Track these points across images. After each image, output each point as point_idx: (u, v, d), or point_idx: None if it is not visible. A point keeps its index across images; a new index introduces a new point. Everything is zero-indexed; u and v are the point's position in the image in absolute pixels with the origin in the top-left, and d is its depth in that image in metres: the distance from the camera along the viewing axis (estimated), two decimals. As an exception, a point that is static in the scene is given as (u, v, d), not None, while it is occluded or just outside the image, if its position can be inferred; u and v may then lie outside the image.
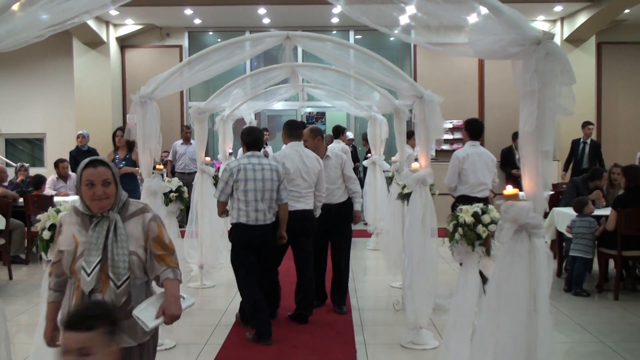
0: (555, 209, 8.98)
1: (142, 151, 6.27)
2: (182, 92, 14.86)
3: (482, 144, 8.09)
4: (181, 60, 13.97)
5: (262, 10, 13.68)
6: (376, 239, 11.09)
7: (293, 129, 7.19)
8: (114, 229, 3.25)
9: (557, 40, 14.25)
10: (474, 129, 7.97)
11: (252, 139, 6.57)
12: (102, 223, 3.26)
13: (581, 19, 13.45)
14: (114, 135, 10.97)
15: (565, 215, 8.57)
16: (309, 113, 16.99)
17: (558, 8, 13.34)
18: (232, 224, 6.44)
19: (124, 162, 10.53)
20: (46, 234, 4.56)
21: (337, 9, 13.36)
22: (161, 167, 6.49)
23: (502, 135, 14.34)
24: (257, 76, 9.70)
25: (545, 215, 9.39)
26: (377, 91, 8.74)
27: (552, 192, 10.37)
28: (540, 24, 14.32)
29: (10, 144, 15.71)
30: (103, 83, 14.39)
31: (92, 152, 12.54)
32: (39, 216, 4.68)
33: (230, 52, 6.50)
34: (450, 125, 14.77)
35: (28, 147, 15.87)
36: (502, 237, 3.25)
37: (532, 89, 3.16)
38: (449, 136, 14.73)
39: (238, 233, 6.35)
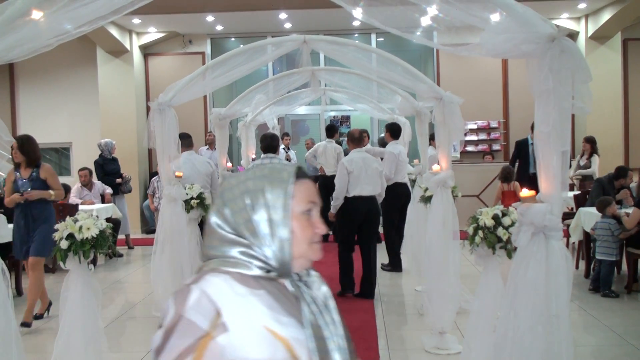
0: (582, 209, 8.85)
1: (162, 158, 6.29)
2: (205, 98, 14.90)
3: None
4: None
5: (283, 15, 13.68)
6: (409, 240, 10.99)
7: (356, 139, 8.33)
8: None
9: (582, 37, 14.08)
10: (394, 131, 9.86)
11: (265, 145, 7.92)
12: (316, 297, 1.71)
13: (606, 15, 13.25)
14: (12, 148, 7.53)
15: (591, 215, 8.42)
16: (333, 117, 16.95)
17: (582, 5, 13.16)
18: None
19: (30, 183, 7.42)
20: (64, 244, 4.57)
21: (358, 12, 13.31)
22: (180, 174, 6.49)
23: (525, 135, 14.17)
24: (278, 81, 9.71)
25: (573, 215, 9.26)
26: (398, 94, 8.70)
27: (580, 192, 10.23)
28: (564, 21, 14.14)
29: (38, 154, 15.85)
30: (127, 91, 14.48)
31: (117, 160, 12.65)
32: (56, 226, 4.69)
33: (249, 57, 6.50)
34: (475, 127, 14.64)
35: (55, 157, 16.02)
36: (519, 240, 3.18)
37: (547, 88, 3.08)
38: (474, 137, 14.60)
39: None
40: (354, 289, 8.22)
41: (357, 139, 8.33)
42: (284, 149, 13.55)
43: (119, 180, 12.26)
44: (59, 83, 15.35)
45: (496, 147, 14.66)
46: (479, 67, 14.74)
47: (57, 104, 15.36)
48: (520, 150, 12.20)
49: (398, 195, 9.58)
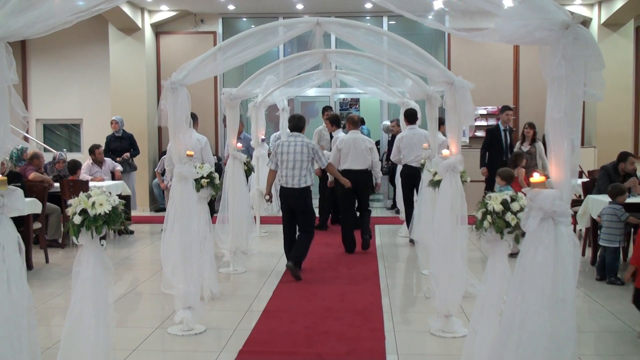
0: (590, 197, 8.86)
1: (173, 137, 6.33)
2: (215, 78, 14.90)
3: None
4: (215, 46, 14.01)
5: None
6: (416, 224, 11.04)
7: (355, 122, 10.27)
8: None
9: (594, 24, 14.00)
10: (410, 116, 10.46)
11: (291, 125, 8.79)
12: None
13: (619, 2, 13.17)
14: None
15: (599, 202, 8.44)
16: (343, 99, 16.96)
17: (596, -8, 13.12)
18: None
19: None
20: (77, 219, 4.61)
21: (370, -5, 13.30)
22: (191, 153, 6.52)
23: (537, 122, 14.16)
24: (289, 62, 9.72)
25: (580, 202, 9.27)
26: (409, 77, 8.70)
27: (588, 180, 10.24)
28: (577, 8, 14.06)
29: (48, 130, 15.96)
30: (138, 69, 14.50)
31: (125, 137, 12.72)
32: (70, 201, 4.74)
33: (261, 38, 6.52)
34: (485, 112, 14.62)
35: (65, 133, 16.10)
36: (528, 225, 3.21)
37: (560, 75, 3.10)
38: (484, 122, 14.58)
39: (280, 193, 8.57)
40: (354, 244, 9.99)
41: (356, 122, 10.28)
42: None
43: (118, 159, 12.32)
44: (71, 60, 15.40)
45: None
46: (490, 52, 14.70)
47: (68, 81, 15.43)
48: (492, 137, 11.68)
49: (411, 176, 10.21)
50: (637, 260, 5.92)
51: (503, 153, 11.42)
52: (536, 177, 3.31)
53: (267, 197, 8.81)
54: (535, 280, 3.16)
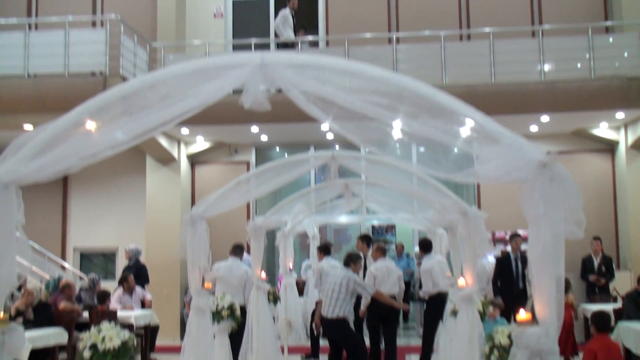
0: (621, 324, 8.64)
1: (191, 270, 6.46)
2: (248, 205, 15.17)
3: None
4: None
5: (325, 127, 14.06)
6: (435, 355, 10.82)
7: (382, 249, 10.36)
8: None
9: (622, 147, 14.07)
10: (424, 247, 10.55)
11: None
12: None
13: (646, 125, 13.31)
14: None
15: (631, 330, 8.22)
16: (378, 225, 16.85)
17: (620, 115, 13.21)
18: None
19: None
20: (87, 354, 4.70)
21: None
22: (209, 285, 6.63)
23: (570, 245, 13.99)
24: (317, 191, 9.95)
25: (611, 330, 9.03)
26: (432, 206, 8.80)
27: (621, 307, 9.99)
28: (603, 131, 14.21)
29: (85, 258, 16.29)
30: (173, 198, 14.88)
31: (135, 267, 12.80)
32: (81, 335, 4.84)
33: (277, 172, 6.74)
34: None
35: (102, 261, 16.41)
36: (516, 365, 3.19)
37: (539, 213, 3.17)
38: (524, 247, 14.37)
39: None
40: None
41: (383, 250, 10.37)
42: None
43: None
44: (109, 190, 15.91)
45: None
46: (520, 177, 14.79)
47: (105, 210, 15.88)
48: (502, 266, 11.41)
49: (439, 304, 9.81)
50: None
51: (514, 282, 11.18)
52: (522, 315, 3.31)
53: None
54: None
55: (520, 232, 14.34)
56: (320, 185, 9.58)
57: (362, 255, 10.97)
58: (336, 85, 3.59)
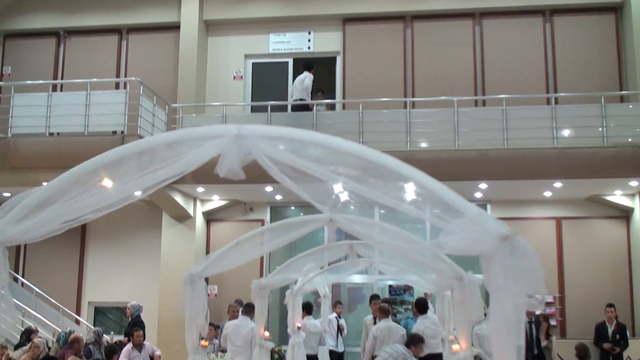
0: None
1: (188, 327, 6.58)
2: (262, 259, 15.25)
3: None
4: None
5: (338, 188, 14.20)
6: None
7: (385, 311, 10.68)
8: None
9: (637, 213, 14.04)
10: (420, 307, 11.09)
11: None
12: None
13: (659, 193, 13.32)
14: None
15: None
16: (396, 286, 16.66)
17: (634, 182, 13.23)
18: None
19: None
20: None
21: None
22: (206, 343, 6.74)
23: (585, 311, 13.94)
24: (326, 250, 10.04)
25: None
26: (434, 268, 8.84)
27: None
28: (617, 198, 14.21)
29: (100, 312, 16.45)
30: (187, 255, 15.04)
31: (132, 323, 12.90)
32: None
33: (276, 234, 6.89)
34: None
35: (116, 315, 16.54)
36: None
37: (499, 285, 3.26)
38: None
39: None
40: None
41: (386, 312, 10.57)
42: (335, 317, 13.62)
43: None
44: (125, 245, 16.15)
45: (551, 322, 14.32)
46: (532, 238, 14.72)
47: (121, 265, 16.09)
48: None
49: None
50: None
51: (528, 347, 11.19)
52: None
53: None
54: None
55: (538, 296, 14.33)
56: (326, 245, 9.66)
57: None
58: (306, 156, 3.77)
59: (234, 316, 11.59)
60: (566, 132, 13.15)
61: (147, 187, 3.95)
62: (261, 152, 3.77)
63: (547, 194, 14.29)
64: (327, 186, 4.07)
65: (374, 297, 13.33)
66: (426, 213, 3.61)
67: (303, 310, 11.63)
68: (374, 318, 11.94)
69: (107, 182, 3.89)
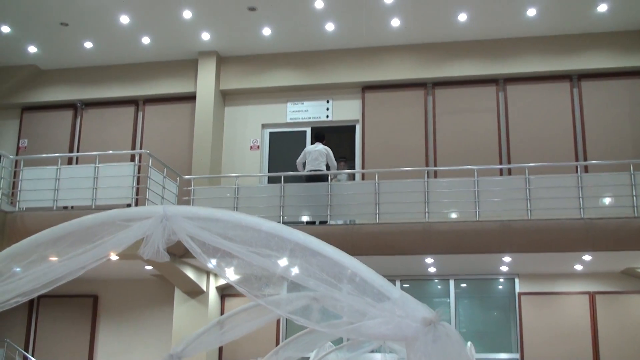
0: None
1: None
2: (278, 330, 14.73)
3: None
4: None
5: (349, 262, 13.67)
6: None
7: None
8: None
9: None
10: None
11: None
12: None
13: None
14: None
15: None
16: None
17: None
18: None
19: None
20: None
21: (429, 259, 13.12)
22: None
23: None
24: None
25: None
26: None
27: None
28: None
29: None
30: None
31: None
32: None
33: (260, 311, 6.37)
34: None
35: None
36: None
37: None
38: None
39: None
40: None
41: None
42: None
43: None
44: (137, 320, 15.74)
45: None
46: (564, 313, 13.92)
47: (132, 340, 15.66)
48: None
49: None
50: None
51: None
52: None
53: None
54: None
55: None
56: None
57: None
58: (231, 237, 3.67)
59: None
60: (591, 203, 12.48)
61: (69, 272, 3.76)
62: (185, 232, 3.61)
63: (578, 267, 13.54)
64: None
65: None
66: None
67: None
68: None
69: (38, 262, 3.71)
